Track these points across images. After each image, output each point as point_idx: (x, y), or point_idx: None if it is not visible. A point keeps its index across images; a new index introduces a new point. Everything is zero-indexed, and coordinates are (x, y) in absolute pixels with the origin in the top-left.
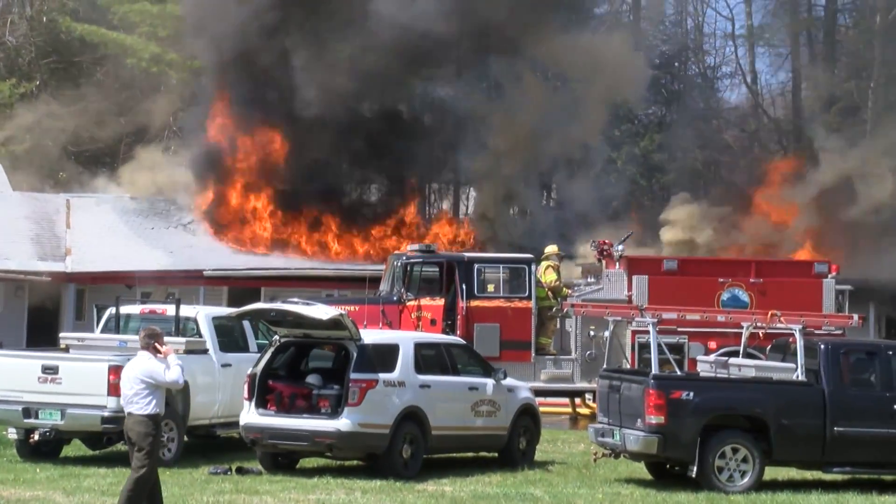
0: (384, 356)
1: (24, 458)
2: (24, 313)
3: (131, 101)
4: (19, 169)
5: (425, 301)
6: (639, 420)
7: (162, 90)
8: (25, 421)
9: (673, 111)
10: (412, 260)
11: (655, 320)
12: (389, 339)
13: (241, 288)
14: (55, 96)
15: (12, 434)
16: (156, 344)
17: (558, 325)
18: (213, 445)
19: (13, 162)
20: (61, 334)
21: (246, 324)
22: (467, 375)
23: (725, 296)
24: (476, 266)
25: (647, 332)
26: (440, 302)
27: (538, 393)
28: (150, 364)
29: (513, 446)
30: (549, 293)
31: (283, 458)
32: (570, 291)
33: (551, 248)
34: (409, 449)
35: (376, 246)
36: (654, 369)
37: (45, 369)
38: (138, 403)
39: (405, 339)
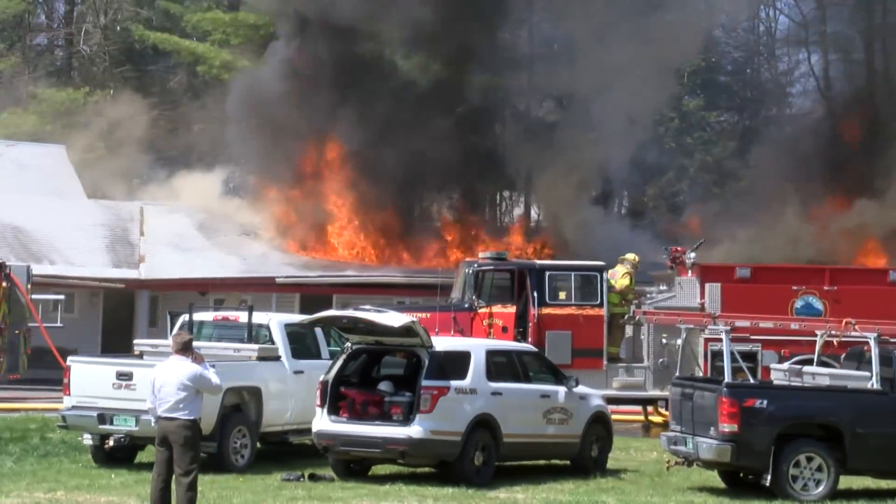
0: (456, 363)
1: (99, 464)
2: (98, 320)
3: (204, 108)
4: (94, 177)
5: (497, 308)
6: (712, 428)
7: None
8: (100, 427)
9: (745, 118)
10: (483, 267)
11: (728, 328)
12: (461, 347)
13: (314, 295)
14: (129, 104)
15: (87, 440)
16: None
17: (629, 334)
18: (286, 452)
19: (88, 170)
20: (135, 341)
21: (318, 331)
22: (539, 383)
23: (799, 303)
24: (547, 273)
25: (720, 340)
26: (512, 309)
27: (610, 401)
28: (195, 368)
29: (585, 454)
30: (622, 298)
31: (355, 464)
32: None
33: (631, 256)
34: (480, 456)
35: (448, 253)
36: (728, 377)
37: (120, 376)
38: (186, 409)
39: (477, 347)
